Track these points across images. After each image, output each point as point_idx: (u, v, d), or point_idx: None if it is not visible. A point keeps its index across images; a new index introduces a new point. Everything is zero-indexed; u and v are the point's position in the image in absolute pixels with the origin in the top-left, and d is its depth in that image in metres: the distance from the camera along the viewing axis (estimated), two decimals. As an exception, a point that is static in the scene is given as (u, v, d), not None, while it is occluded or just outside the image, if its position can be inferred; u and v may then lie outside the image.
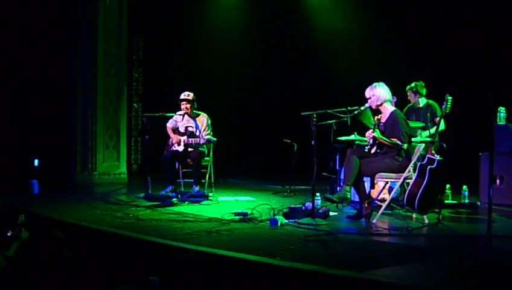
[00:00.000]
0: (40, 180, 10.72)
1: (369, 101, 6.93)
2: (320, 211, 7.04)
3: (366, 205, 6.88)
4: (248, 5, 11.71)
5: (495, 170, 6.68)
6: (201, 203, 8.15)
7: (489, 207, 5.84)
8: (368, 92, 6.94)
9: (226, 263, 5.08)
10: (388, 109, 6.96)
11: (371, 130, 6.81)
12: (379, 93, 6.88)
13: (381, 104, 6.91)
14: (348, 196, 6.98)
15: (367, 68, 10.24)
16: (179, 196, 8.21)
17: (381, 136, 6.75)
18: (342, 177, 7.80)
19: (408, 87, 8.37)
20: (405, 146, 6.78)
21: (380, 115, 6.91)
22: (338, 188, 8.06)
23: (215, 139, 8.43)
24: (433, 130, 7.40)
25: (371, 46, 10.60)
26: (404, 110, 8.21)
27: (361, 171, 6.79)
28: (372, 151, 6.90)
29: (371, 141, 6.85)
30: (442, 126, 7.76)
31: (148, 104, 11.00)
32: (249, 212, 7.04)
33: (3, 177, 9.64)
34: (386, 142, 6.75)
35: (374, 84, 6.94)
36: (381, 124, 6.88)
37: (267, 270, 4.92)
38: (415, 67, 9.68)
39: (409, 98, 8.41)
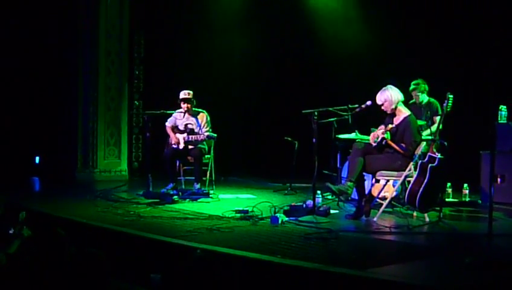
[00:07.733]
0: (41, 177, 10.72)
1: (383, 107, 6.84)
2: (321, 209, 7.05)
3: (364, 202, 6.87)
4: (250, 2, 11.69)
5: (496, 168, 6.67)
6: (202, 200, 8.16)
7: (490, 206, 5.87)
8: (379, 98, 6.83)
9: (226, 261, 5.08)
10: (403, 112, 6.87)
11: (383, 129, 6.75)
12: (391, 96, 6.79)
13: (395, 108, 6.84)
14: (349, 192, 6.94)
15: (368, 66, 10.23)
16: (180, 194, 8.20)
17: (390, 141, 6.71)
18: (342, 175, 7.78)
19: (414, 86, 8.22)
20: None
21: (393, 123, 6.83)
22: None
23: (215, 135, 8.42)
24: (434, 129, 7.38)
25: (372, 45, 10.57)
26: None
27: (363, 168, 6.79)
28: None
29: (379, 139, 6.79)
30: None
31: (149, 101, 10.98)
32: (249, 210, 7.03)
33: (4, 174, 9.64)
34: (395, 147, 6.72)
35: (384, 89, 6.83)
36: (394, 125, 6.82)
37: (267, 268, 4.92)
38: (416, 66, 9.65)
39: (415, 95, 8.26)
